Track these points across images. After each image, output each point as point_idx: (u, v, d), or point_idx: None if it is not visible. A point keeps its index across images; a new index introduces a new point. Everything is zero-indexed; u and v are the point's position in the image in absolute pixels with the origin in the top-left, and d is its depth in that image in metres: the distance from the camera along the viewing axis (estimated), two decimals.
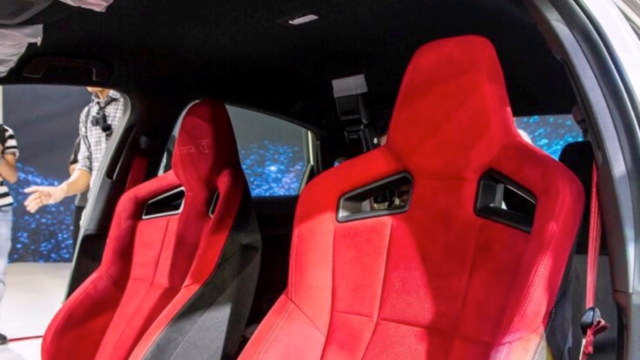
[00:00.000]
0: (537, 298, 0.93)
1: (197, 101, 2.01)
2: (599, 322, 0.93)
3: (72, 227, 5.51)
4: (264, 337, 1.22)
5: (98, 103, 3.15)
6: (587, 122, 0.99)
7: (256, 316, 1.52)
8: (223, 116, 1.88)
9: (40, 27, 1.38)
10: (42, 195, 2.85)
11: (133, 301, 1.95)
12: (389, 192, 1.76)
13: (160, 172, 2.38)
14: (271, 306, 1.29)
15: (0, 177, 4.03)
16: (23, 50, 1.50)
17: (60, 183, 3.21)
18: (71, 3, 1.12)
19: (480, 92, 1.12)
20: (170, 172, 2.00)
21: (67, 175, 3.54)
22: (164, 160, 2.51)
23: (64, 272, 2.37)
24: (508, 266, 1.05)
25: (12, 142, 4.06)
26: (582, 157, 1.14)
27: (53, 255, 7.77)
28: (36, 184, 6.67)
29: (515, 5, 1.09)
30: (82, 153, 3.26)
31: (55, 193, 2.95)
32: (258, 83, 2.28)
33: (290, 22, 1.54)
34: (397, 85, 1.23)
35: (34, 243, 7.71)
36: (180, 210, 1.95)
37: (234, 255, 1.72)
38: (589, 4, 1.01)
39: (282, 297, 1.29)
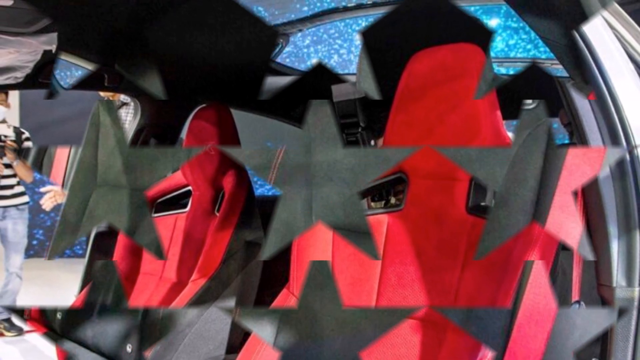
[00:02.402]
0: None
1: (204, 105, 2.01)
2: None
3: None
4: None
5: None
6: (573, 125, 1.00)
7: None
8: (228, 119, 1.88)
9: (54, 35, 1.38)
10: (56, 194, 2.84)
11: (143, 295, 1.94)
12: (385, 191, 1.75)
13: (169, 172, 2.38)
14: (274, 299, 1.29)
15: (17, 177, 4.03)
16: (39, 57, 1.51)
17: None
18: None
19: (472, 96, 1.11)
20: (178, 173, 2.00)
21: None
22: None
23: (78, 267, 2.36)
24: (498, 262, 1.04)
25: (28, 144, 4.06)
26: None
27: (67, 251, 7.77)
28: (51, 183, 6.66)
29: None
30: None
31: None
32: (261, 88, 2.28)
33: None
34: (393, 90, 1.23)
35: (49, 240, 7.71)
36: (187, 209, 1.95)
37: (239, 251, 1.71)
38: None
39: (284, 291, 1.29)
